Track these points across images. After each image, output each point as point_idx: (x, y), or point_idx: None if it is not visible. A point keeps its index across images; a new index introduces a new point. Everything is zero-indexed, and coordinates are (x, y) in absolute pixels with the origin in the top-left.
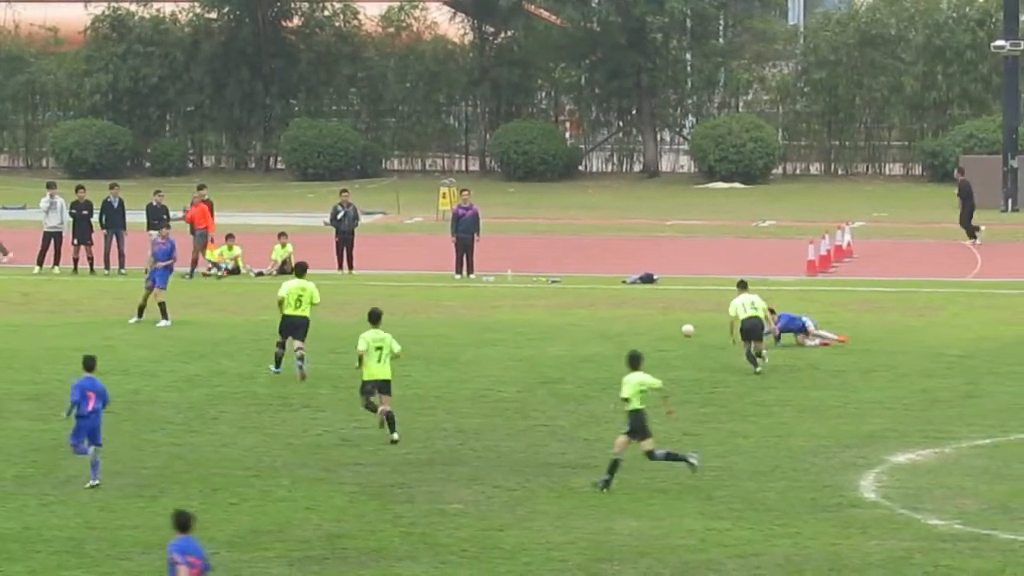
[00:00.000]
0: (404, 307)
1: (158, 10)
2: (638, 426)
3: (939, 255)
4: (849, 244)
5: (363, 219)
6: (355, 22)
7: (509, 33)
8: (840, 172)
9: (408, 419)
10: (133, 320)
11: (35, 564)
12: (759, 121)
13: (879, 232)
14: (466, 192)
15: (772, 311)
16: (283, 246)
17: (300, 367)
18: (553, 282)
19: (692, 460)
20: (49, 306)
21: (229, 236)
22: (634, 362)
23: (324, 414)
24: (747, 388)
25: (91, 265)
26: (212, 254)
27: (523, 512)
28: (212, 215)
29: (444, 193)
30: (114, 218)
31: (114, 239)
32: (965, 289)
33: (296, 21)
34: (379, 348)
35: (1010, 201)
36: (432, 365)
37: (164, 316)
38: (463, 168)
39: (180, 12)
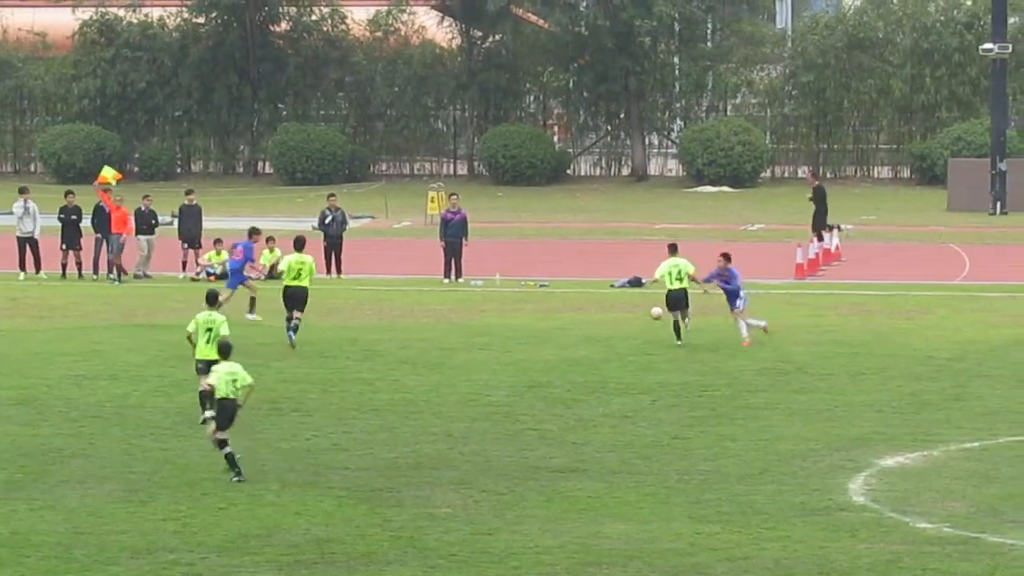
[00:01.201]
0: (392, 311)
1: (146, 15)
2: None
3: (927, 258)
4: (838, 247)
5: (351, 223)
6: (343, 26)
7: (497, 37)
8: (828, 175)
9: (396, 423)
10: (251, 316)
11: (24, 569)
12: (747, 124)
13: (868, 235)
14: (454, 196)
15: (694, 279)
16: (271, 251)
17: (291, 336)
18: (541, 286)
19: None
20: (36, 311)
21: (217, 241)
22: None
23: (312, 418)
24: (735, 391)
25: (79, 270)
26: (201, 258)
27: (512, 516)
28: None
29: (432, 197)
30: (105, 222)
31: (104, 244)
32: (953, 292)
33: (284, 26)
34: (209, 329)
35: (998, 204)
36: (420, 369)
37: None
38: (451, 172)
39: (168, 17)
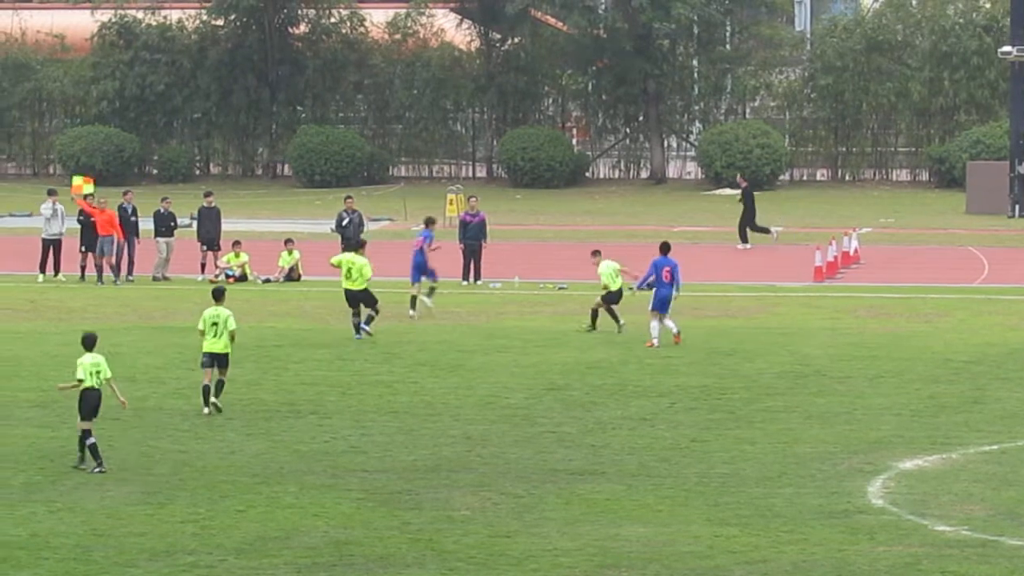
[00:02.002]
0: (411, 313)
1: (165, 17)
2: None
3: (946, 261)
4: (856, 250)
5: (370, 226)
6: (361, 29)
7: (516, 40)
8: (847, 178)
9: (415, 425)
10: (412, 314)
11: (42, 571)
12: (766, 127)
13: (886, 238)
14: (473, 199)
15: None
16: (290, 253)
17: (365, 329)
18: (560, 289)
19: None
20: (55, 313)
21: (236, 243)
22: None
23: (331, 421)
24: (754, 394)
25: (98, 272)
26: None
27: (530, 518)
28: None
29: (451, 200)
30: (127, 224)
31: (125, 245)
32: (972, 295)
33: (303, 28)
34: (215, 324)
35: (1017, 207)
36: (439, 371)
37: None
38: (470, 175)
39: (187, 19)
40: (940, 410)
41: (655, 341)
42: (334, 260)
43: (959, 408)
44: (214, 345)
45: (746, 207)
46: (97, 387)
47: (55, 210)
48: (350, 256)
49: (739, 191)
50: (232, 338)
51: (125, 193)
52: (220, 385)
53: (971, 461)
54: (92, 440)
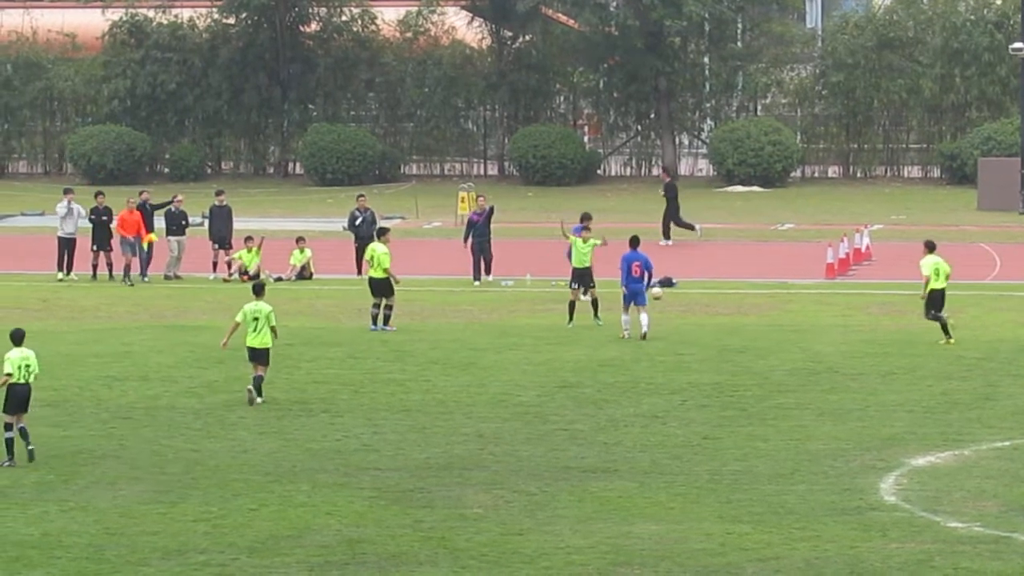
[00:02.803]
0: (423, 312)
1: (176, 16)
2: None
3: (957, 258)
4: (868, 247)
5: (381, 223)
6: (373, 27)
7: (527, 37)
8: (858, 175)
9: (427, 423)
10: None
11: (55, 570)
12: (777, 124)
13: (898, 235)
14: (482, 198)
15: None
16: (301, 251)
17: (373, 327)
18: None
19: None
20: (67, 312)
21: (248, 239)
22: None
23: (343, 419)
24: (766, 391)
25: (110, 271)
26: (235, 257)
27: (543, 516)
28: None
29: (463, 198)
30: (145, 223)
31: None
32: (983, 291)
33: (314, 26)
34: (256, 319)
35: None
36: (451, 369)
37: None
38: (481, 173)
39: (198, 18)
40: (952, 407)
41: (626, 333)
42: (367, 256)
43: (971, 404)
44: (254, 340)
45: (669, 202)
46: (24, 382)
47: (70, 209)
48: (372, 244)
49: (662, 186)
50: (275, 333)
51: (141, 193)
52: (258, 381)
53: (983, 457)
54: (10, 435)
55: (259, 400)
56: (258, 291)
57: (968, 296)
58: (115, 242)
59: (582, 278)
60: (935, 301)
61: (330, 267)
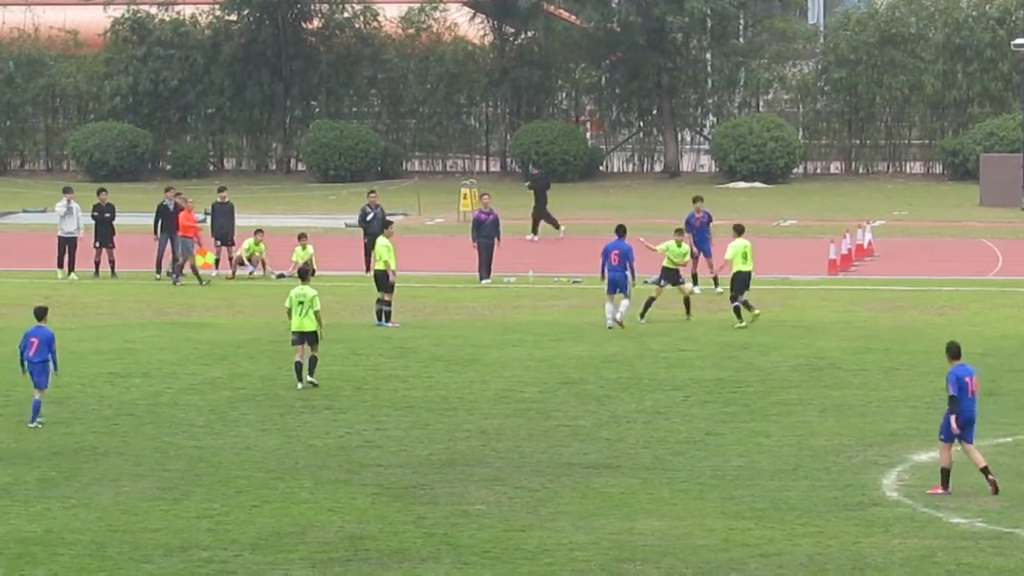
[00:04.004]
0: (426, 308)
1: (178, 12)
2: None
3: (960, 254)
4: (870, 243)
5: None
6: (375, 24)
7: (529, 34)
8: (861, 171)
9: (430, 420)
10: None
11: (57, 567)
12: (779, 120)
13: (900, 231)
14: (486, 196)
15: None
16: (304, 248)
17: (386, 325)
18: (574, 282)
19: None
20: (70, 309)
21: (258, 231)
22: None
23: (346, 416)
24: (769, 387)
25: (112, 268)
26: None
27: (545, 513)
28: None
29: (465, 194)
30: (170, 222)
31: (168, 242)
32: (986, 288)
33: (316, 23)
34: (301, 303)
35: None
36: (453, 366)
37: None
38: (483, 169)
39: (200, 14)
40: None
41: (609, 322)
42: (378, 250)
43: None
44: (302, 324)
45: (537, 196)
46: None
47: (70, 208)
48: (379, 239)
49: (530, 179)
50: (318, 319)
51: (167, 190)
52: (313, 362)
53: (986, 453)
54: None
55: (309, 379)
56: (304, 276)
57: (970, 292)
58: (117, 239)
59: (671, 276)
60: (740, 283)
61: (333, 264)
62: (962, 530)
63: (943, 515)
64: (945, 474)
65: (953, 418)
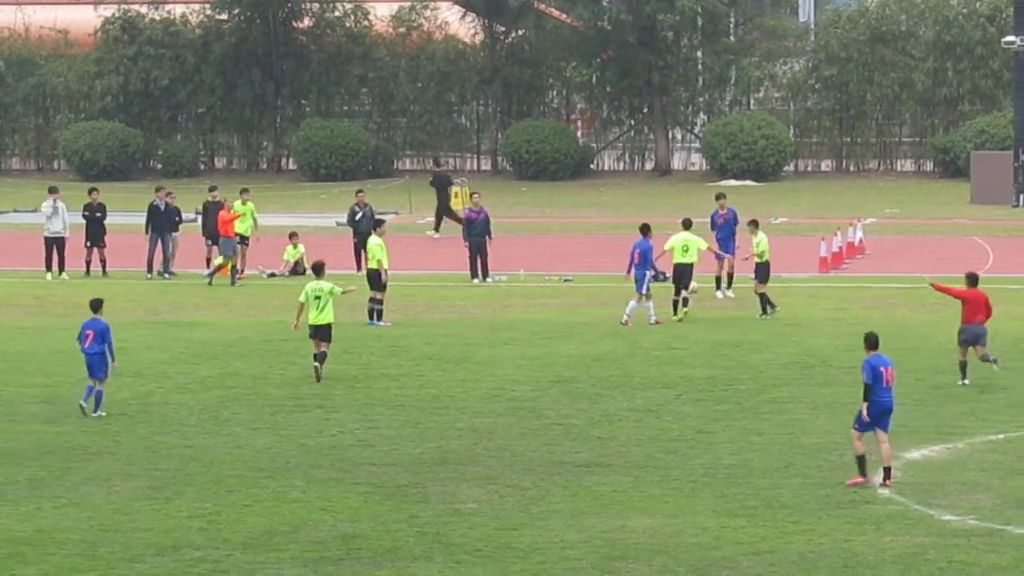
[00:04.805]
0: (417, 307)
1: (168, 12)
2: None
3: (950, 251)
4: (861, 240)
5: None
6: (366, 22)
7: (520, 32)
8: (851, 169)
9: (422, 419)
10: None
11: (48, 567)
12: (770, 118)
13: (891, 228)
14: (476, 195)
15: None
16: (295, 247)
17: (378, 317)
18: (566, 281)
19: None
20: (61, 309)
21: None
22: None
23: (338, 415)
24: (760, 385)
25: (103, 267)
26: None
27: (537, 511)
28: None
29: (456, 193)
30: (160, 221)
31: (159, 242)
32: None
33: (307, 22)
34: (318, 297)
35: (1021, 196)
36: (445, 365)
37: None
38: (475, 167)
39: (190, 14)
40: (945, 400)
41: (652, 319)
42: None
43: (964, 398)
44: (318, 318)
45: (438, 193)
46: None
47: (56, 208)
48: (371, 238)
49: (431, 176)
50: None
51: (158, 190)
52: (323, 356)
53: (977, 450)
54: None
55: (316, 366)
56: (318, 270)
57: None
58: (109, 238)
59: (760, 271)
60: (682, 275)
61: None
62: (954, 527)
63: (935, 512)
64: (861, 462)
65: (864, 407)
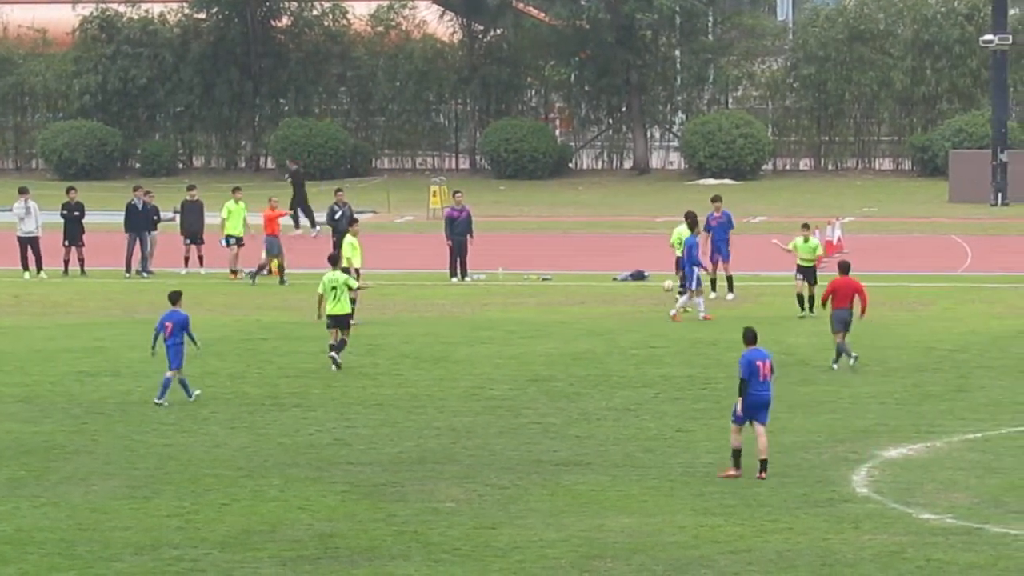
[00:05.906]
0: (395, 306)
1: (147, 11)
2: None
3: (929, 249)
4: (839, 239)
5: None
6: (344, 21)
7: (498, 31)
8: (830, 167)
9: (400, 417)
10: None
11: (27, 566)
12: (749, 117)
13: (869, 227)
14: (459, 194)
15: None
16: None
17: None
18: (544, 280)
19: None
20: (39, 308)
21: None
22: None
23: (315, 413)
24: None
25: (81, 266)
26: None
27: (515, 510)
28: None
29: (434, 192)
30: (138, 220)
31: (137, 241)
32: (955, 283)
33: (285, 21)
34: (334, 288)
35: (999, 195)
36: (423, 363)
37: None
38: (453, 166)
39: (169, 13)
40: (924, 398)
41: (701, 314)
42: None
43: (943, 396)
44: (335, 308)
45: (295, 190)
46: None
47: (28, 208)
48: (345, 237)
49: (288, 175)
50: (354, 285)
51: (136, 189)
52: (342, 344)
53: (955, 449)
54: None
55: (332, 356)
56: (334, 261)
57: (940, 288)
58: (87, 237)
59: (807, 273)
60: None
61: (303, 261)
62: (932, 526)
63: (913, 511)
64: (736, 455)
65: (739, 401)
